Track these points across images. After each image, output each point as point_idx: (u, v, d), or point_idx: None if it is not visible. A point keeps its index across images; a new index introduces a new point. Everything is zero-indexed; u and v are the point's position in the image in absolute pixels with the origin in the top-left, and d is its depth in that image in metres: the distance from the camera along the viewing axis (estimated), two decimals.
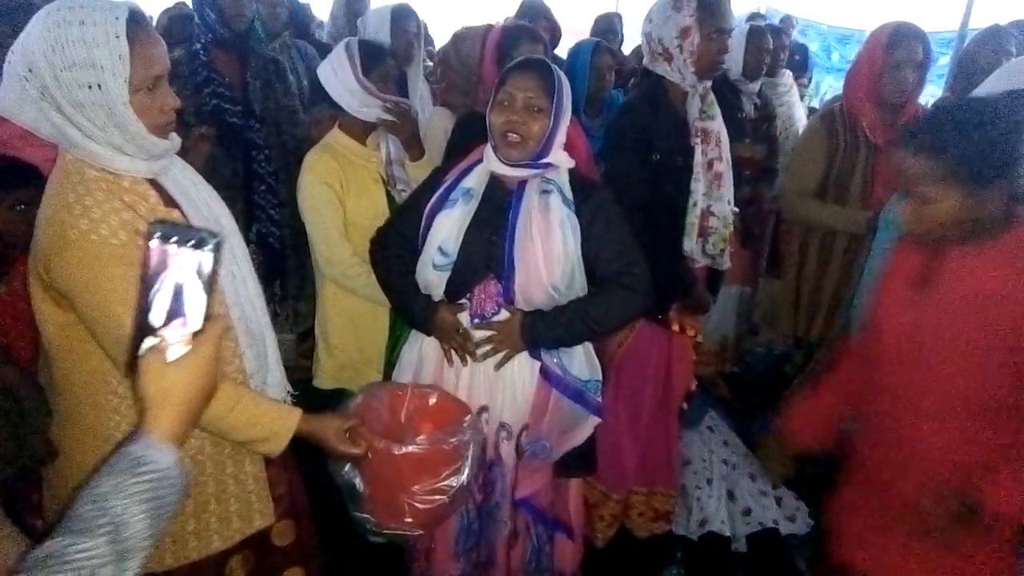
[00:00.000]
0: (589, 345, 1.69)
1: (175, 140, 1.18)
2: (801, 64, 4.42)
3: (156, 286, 0.75)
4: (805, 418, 1.52)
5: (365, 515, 1.33)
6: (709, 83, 2.01)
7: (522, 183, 1.60)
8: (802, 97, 3.99)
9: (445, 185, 1.64)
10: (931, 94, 5.53)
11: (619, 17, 4.06)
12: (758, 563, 2.32)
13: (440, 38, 3.75)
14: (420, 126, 2.11)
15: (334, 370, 2.02)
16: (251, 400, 1.18)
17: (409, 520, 1.30)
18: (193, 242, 0.76)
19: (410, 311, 1.68)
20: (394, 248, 1.71)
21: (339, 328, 2.00)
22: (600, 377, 1.69)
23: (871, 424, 1.37)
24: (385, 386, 1.59)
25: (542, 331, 1.56)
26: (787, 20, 5.29)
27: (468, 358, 1.63)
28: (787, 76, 3.50)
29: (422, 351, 1.72)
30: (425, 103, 2.79)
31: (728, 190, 2.05)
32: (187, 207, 1.18)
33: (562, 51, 3.34)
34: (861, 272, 2.28)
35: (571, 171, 1.63)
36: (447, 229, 1.59)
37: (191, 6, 2.56)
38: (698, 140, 1.97)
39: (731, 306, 3.12)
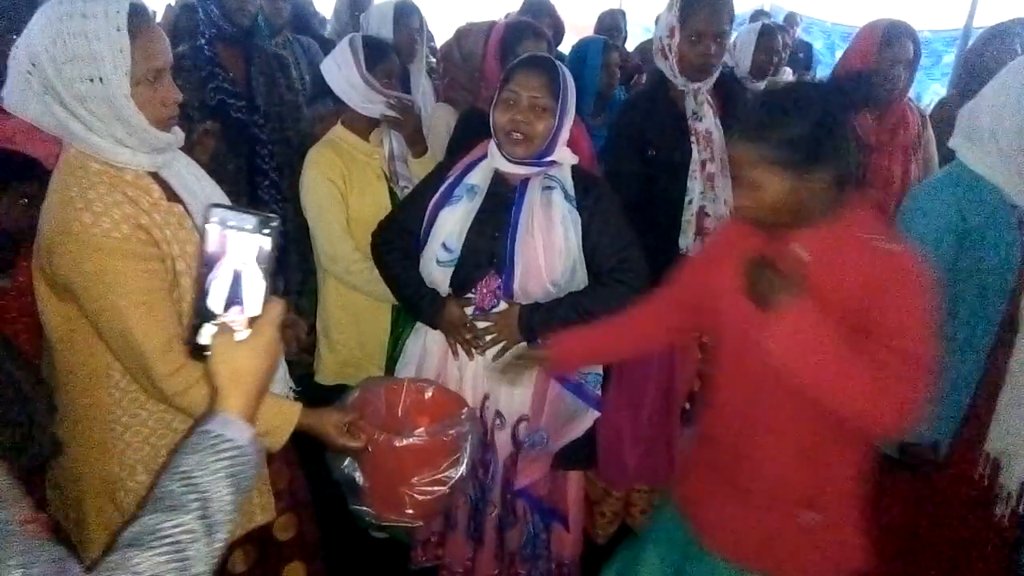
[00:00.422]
0: None
1: (178, 134, 1.18)
2: (805, 62, 4.42)
3: (214, 271, 0.76)
4: (577, 345, 1.52)
5: (364, 508, 1.34)
6: (701, 84, 1.98)
7: (525, 180, 1.61)
8: None
9: (449, 181, 1.64)
10: (935, 92, 5.53)
11: (623, 13, 4.05)
12: None
13: (442, 34, 3.75)
14: (423, 122, 2.11)
15: (336, 365, 2.02)
16: None
17: (409, 511, 1.31)
18: (251, 226, 0.76)
19: (417, 305, 1.69)
20: (397, 242, 1.72)
21: (341, 324, 2.00)
22: (600, 371, 1.71)
23: (713, 395, 1.38)
24: (382, 381, 1.61)
25: (539, 323, 1.58)
26: (791, 18, 5.28)
27: (474, 352, 1.65)
28: (787, 74, 3.50)
29: (426, 344, 1.74)
30: (428, 99, 2.78)
31: (723, 191, 2.03)
32: (190, 202, 1.18)
33: (565, 47, 3.34)
34: None
35: (573, 167, 1.64)
36: (451, 225, 1.60)
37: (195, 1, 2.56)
38: (695, 139, 1.97)
39: None
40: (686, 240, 2.00)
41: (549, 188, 1.59)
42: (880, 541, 1.76)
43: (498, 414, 1.69)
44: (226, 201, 1.31)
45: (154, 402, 1.18)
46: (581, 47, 2.85)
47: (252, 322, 0.78)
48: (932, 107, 3.10)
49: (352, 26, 3.16)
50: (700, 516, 1.37)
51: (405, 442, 1.28)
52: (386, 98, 1.90)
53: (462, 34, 2.56)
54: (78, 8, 1.02)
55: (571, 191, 1.60)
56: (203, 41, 2.31)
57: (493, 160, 1.62)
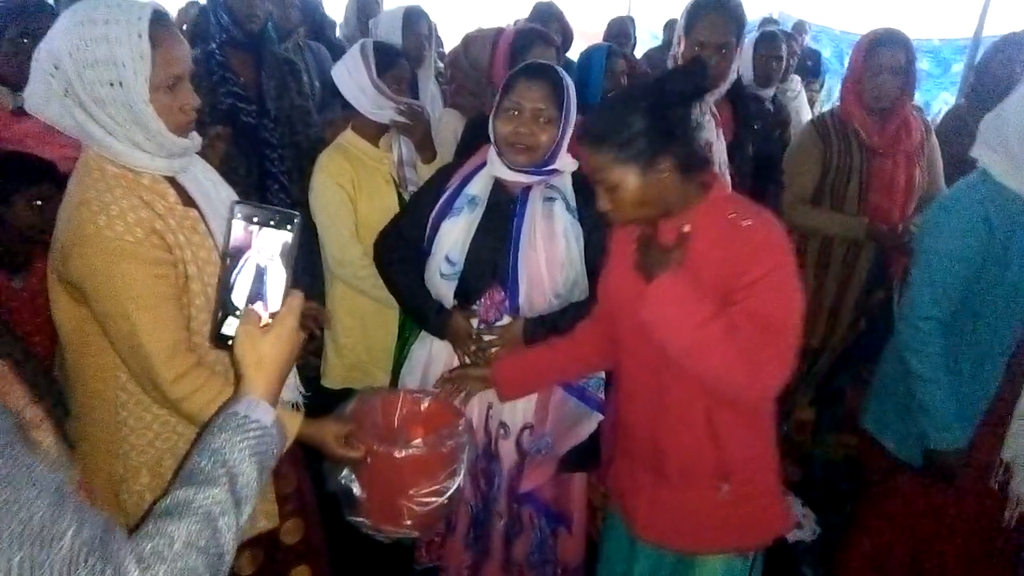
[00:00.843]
0: None
1: (195, 139, 1.19)
2: (814, 69, 4.42)
3: (238, 266, 0.80)
4: (516, 367, 1.55)
5: (361, 519, 1.32)
6: (708, 95, 1.96)
7: (526, 188, 1.60)
8: (813, 103, 3.98)
9: (449, 191, 1.64)
10: (944, 101, 5.51)
11: (632, 21, 4.07)
12: (765, 570, 2.30)
13: (449, 40, 3.77)
14: (431, 127, 2.12)
15: (343, 370, 2.03)
16: None
17: (408, 523, 1.30)
18: (275, 221, 0.79)
19: (423, 316, 1.69)
20: (400, 251, 1.71)
21: (348, 328, 2.01)
22: (603, 374, 1.71)
23: (622, 384, 1.43)
24: (378, 392, 1.60)
25: (543, 336, 1.58)
26: (799, 25, 5.28)
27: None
28: (795, 81, 3.50)
29: (432, 351, 1.74)
30: (435, 104, 2.80)
31: None
32: (205, 206, 1.20)
33: (573, 54, 3.35)
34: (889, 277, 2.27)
35: (574, 174, 1.63)
36: (453, 238, 1.60)
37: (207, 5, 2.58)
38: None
39: None
40: None
41: (551, 199, 1.58)
42: (891, 548, 1.76)
43: (502, 424, 1.69)
44: None
45: (159, 406, 1.19)
46: (587, 54, 2.86)
47: (274, 313, 0.82)
48: (942, 115, 3.09)
49: (360, 31, 3.18)
50: (629, 506, 1.41)
51: (404, 453, 1.28)
52: (396, 104, 1.91)
53: (470, 40, 2.57)
54: (101, 13, 1.03)
55: (572, 202, 1.59)
56: (214, 45, 2.33)
57: (493, 168, 1.60)
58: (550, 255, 1.56)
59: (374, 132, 1.97)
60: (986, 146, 1.54)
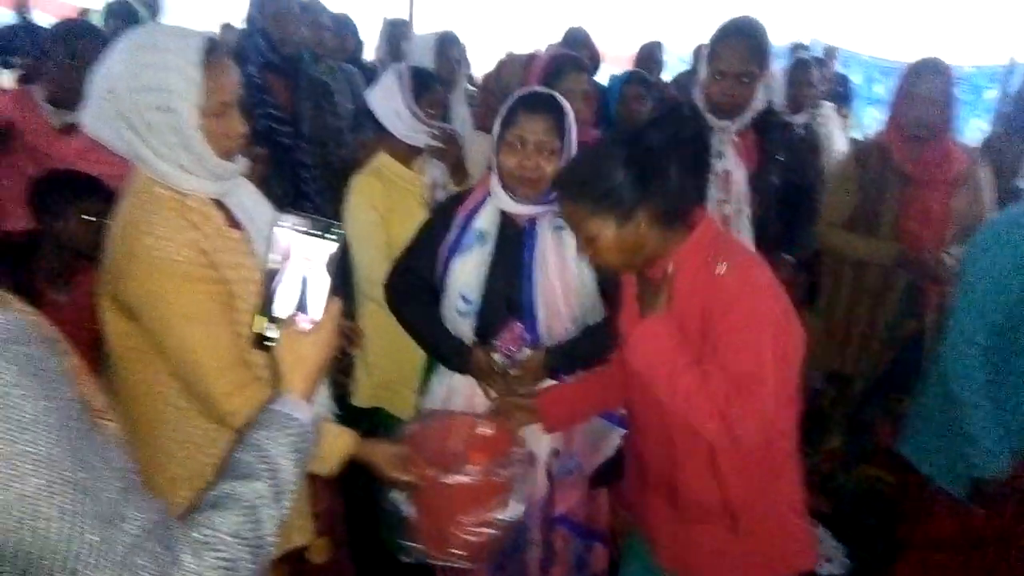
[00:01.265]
0: None
1: (242, 163, 1.22)
2: (844, 95, 4.39)
3: (280, 275, 0.82)
4: (560, 399, 1.53)
5: (414, 544, 1.31)
6: (730, 123, 1.97)
7: (533, 219, 1.58)
8: (843, 129, 3.95)
9: (457, 227, 1.62)
10: (978, 128, 5.43)
11: (659, 45, 4.08)
12: None
13: (477, 63, 3.82)
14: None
15: (372, 389, 2.04)
16: None
17: (458, 552, 1.28)
18: (319, 231, 0.82)
19: (443, 354, 1.66)
20: (412, 290, 1.69)
21: (377, 348, 2.02)
22: None
23: (634, 418, 1.44)
24: (438, 413, 1.59)
25: (563, 365, 1.58)
26: (830, 51, 5.26)
27: None
28: (826, 107, 3.48)
29: (451, 384, 1.71)
30: (466, 127, 2.84)
31: (739, 233, 1.99)
32: (250, 228, 1.22)
33: (602, 77, 3.38)
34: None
35: None
36: (466, 275, 1.59)
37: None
38: (712, 178, 1.96)
39: None
40: None
41: (560, 228, 1.56)
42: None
43: (529, 454, 1.67)
44: None
45: (204, 419, 1.20)
46: (610, 81, 2.91)
47: (314, 320, 0.84)
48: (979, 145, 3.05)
49: (391, 54, 3.24)
50: (652, 535, 1.40)
51: (454, 480, 1.26)
52: (431, 129, 1.94)
53: (502, 64, 2.61)
54: (156, 40, 1.07)
55: None
56: (253, 68, 2.39)
57: (498, 201, 1.58)
58: (565, 284, 1.55)
59: (407, 154, 2.00)
60: None
